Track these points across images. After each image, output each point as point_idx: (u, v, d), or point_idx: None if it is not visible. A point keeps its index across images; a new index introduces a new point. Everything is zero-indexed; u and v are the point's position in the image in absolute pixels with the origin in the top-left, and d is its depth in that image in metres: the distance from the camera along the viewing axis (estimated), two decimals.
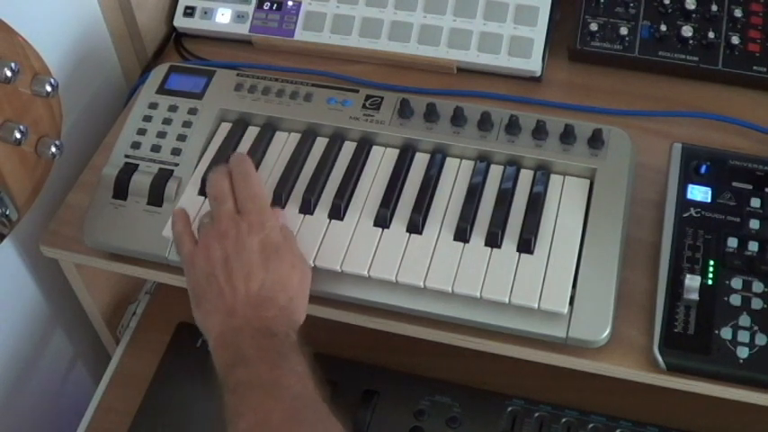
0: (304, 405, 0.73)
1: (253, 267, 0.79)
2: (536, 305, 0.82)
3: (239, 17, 1.13)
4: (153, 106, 0.99)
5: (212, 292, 0.79)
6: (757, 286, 0.83)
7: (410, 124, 0.95)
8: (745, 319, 0.81)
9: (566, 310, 0.81)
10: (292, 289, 0.81)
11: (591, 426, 0.95)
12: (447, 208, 0.89)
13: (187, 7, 1.15)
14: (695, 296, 0.82)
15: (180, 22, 1.15)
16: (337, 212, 0.89)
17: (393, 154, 0.94)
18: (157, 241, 0.89)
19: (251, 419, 0.71)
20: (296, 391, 0.73)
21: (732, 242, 0.85)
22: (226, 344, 0.77)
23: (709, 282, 0.83)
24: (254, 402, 0.72)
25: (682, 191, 0.89)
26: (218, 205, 0.84)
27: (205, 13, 1.14)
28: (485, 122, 0.93)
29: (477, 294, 0.83)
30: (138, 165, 0.95)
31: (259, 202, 0.84)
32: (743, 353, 0.80)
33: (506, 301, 0.82)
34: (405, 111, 0.95)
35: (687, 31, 1.04)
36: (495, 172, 0.92)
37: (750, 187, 0.89)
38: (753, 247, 0.85)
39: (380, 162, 0.94)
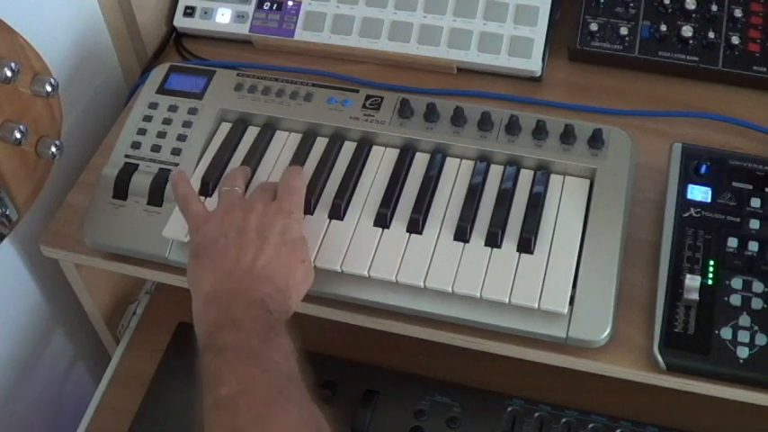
0: (292, 383, 0.71)
1: (266, 244, 0.80)
2: (536, 305, 0.82)
3: (239, 17, 1.13)
4: (153, 106, 0.99)
5: (217, 249, 0.79)
6: (757, 286, 0.83)
7: (410, 124, 0.95)
8: (745, 319, 0.81)
9: (566, 310, 0.81)
10: (294, 279, 0.81)
11: (591, 426, 0.95)
12: (447, 208, 0.89)
13: (187, 7, 1.15)
14: (695, 296, 0.82)
15: (180, 22, 1.15)
16: (337, 212, 0.89)
17: (393, 154, 0.94)
18: (157, 241, 0.89)
19: (235, 387, 0.68)
20: (284, 368, 0.72)
21: (732, 242, 0.85)
22: (217, 302, 0.76)
23: (709, 282, 0.83)
24: (240, 369, 0.70)
25: (682, 191, 0.89)
26: (259, 192, 0.85)
27: (205, 13, 1.14)
28: (485, 122, 0.93)
29: (477, 294, 0.83)
30: (138, 165, 0.95)
31: (296, 197, 0.85)
32: (743, 353, 0.80)
33: (506, 301, 0.82)
34: (405, 111, 0.95)
35: (687, 31, 1.04)
36: (495, 172, 0.92)
37: (750, 187, 0.89)
38: (753, 247, 0.85)
39: (380, 162, 0.94)
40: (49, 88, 0.87)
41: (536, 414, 0.96)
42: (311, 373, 0.75)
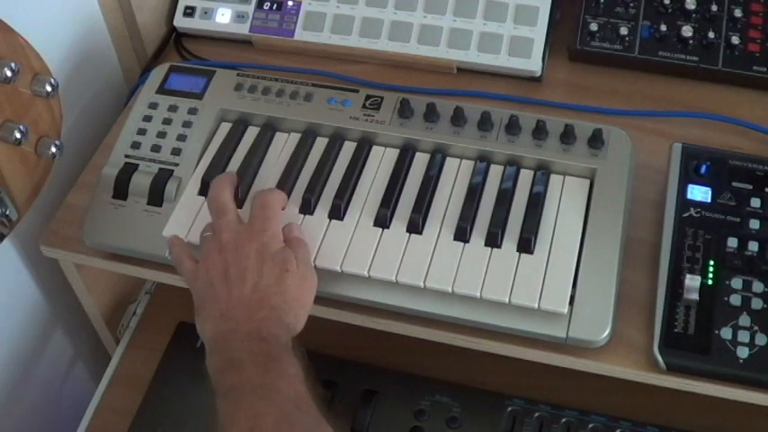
0: (296, 408, 0.72)
1: (246, 271, 0.80)
2: (536, 305, 0.82)
3: (239, 17, 1.13)
4: (153, 106, 0.99)
5: (210, 299, 0.80)
6: (757, 286, 0.83)
7: (410, 124, 0.95)
8: (745, 319, 0.81)
9: (566, 310, 0.81)
10: (287, 292, 0.80)
11: (591, 426, 0.95)
12: (447, 208, 0.89)
13: (187, 7, 1.15)
14: (695, 296, 0.82)
15: (180, 22, 1.15)
16: (337, 212, 0.89)
17: (393, 154, 0.94)
18: (157, 241, 0.89)
19: (243, 426, 0.71)
20: (288, 394, 0.73)
21: (732, 242, 0.85)
22: (218, 348, 0.77)
23: (710, 282, 0.83)
24: (245, 407, 0.72)
25: (682, 191, 0.89)
26: (219, 217, 0.84)
27: (205, 13, 1.14)
28: (485, 122, 0.93)
29: (477, 294, 0.83)
30: (138, 165, 0.95)
31: (268, 211, 0.84)
32: (743, 353, 0.80)
33: (506, 301, 0.82)
34: (405, 111, 0.95)
35: (687, 31, 1.04)
36: (495, 172, 0.92)
37: (750, 187, 0.89)
38: (753, 247, 0.85)
39: (380, 162, 0.94)
40: (48, 88, 0.87)
41: (536, 414, 0.96)
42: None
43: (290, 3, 1.13)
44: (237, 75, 1.01)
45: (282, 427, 0.70)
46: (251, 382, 0.73)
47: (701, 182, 0.89)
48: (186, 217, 0.90)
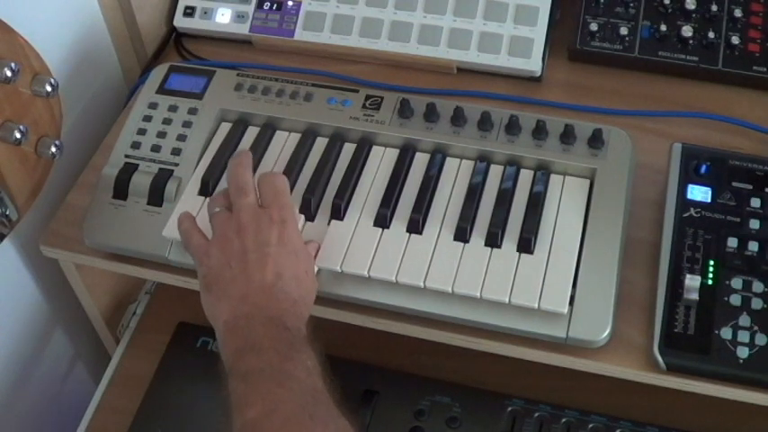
0: (315, 400, 0.72)
1: (270, 259, 0.79)
2: (536, 305, 0.82)
3: (239, 17, 1.13)
4: (153, 106, 0.99)
5: (225, 279, 0.79)
6: (757, 286, 0.83)
7: (410, 124, 0.95)
8: (745, 319, 0.81)
9: (566, 310, 0.81)
10: (304, 287, 0.81)
11: (591, 426, 0.95)
12: (447, 208, 0.89)
13: (187, 7, 1.15)
14: (695, 296, 0.82)
15: (180, 22, 1.15)
16: (337, 212, 0.89)
17: (393, 154, 0.94)
18: (157, 241, 0.89)
19: (260, 408, 0.70)
20: (307, 384, 0.72)
21: (732, 242, 0.85)
22: (237, 329, 0.76)
23: (710, 282, 0.83)
24: (264, 391, 0.71)
25: (682, 191, 0.89)
26: (240, 197, 0.83)
27: (205, 13, 1.14)
28: (485, 122, 0.93)
29: (477, 294, 0.83)
30: (138, 165, 0.95)
31: (283, 198, 0.84)
32: (743, 353, 0.80)
33: (506, 301, 0.82)
34: (405, 111, 0.95)
35: (687, 31, 1.04)
36: (495, 172, 0.92)
37: (750, 187, 0.89)
38: (753, 247, 0.85)
39: (380, 162, 0.94)
40: (49, 88, 0.87)
41: (536, 414, 0.96)
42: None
43: (290, 3, 1.13)
44: (237, 75, 1.01)
45: (302, 416, 0.70)
46: (271, 366, 0.72)
47: (700, 182, 0.89)
48: None
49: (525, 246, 0.85)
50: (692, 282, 0.82)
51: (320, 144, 0.96)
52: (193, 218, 0.87)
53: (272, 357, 0.73)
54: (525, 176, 0.91)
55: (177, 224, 0.86)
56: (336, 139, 0.95)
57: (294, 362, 0.73)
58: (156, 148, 0.96)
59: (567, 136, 0.92)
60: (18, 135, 0.83)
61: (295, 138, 0.96)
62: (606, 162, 0.90)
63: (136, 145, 0.96)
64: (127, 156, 0.96)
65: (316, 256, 0.85)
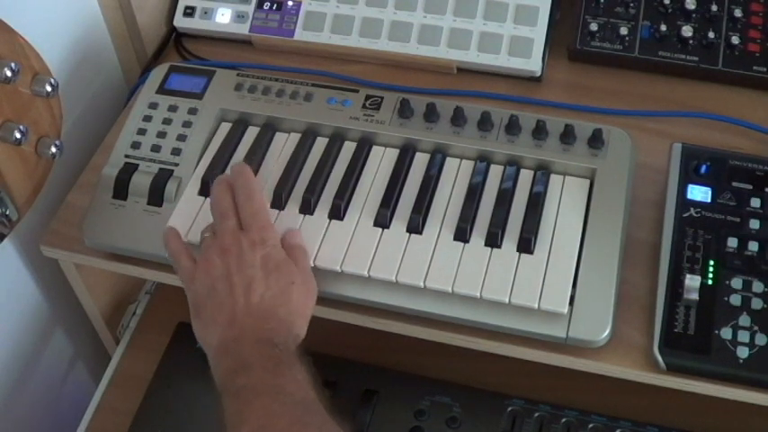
0: (308, 410, 0.73)
1: (253, 281, 0.80)
2: (536, 305, 0.82)
3: (239, 17, 1.13)
4: (153, 106, 0.99)
5: (212, 304, 0.80)
6: (757, 286, 0.83)
7: (410, 124, 0.95)
8: (745, 319, 0.81)
9: (566, 310, 0.81)
10: (292, 304, 0.81)
11: (591, 426, 0.95)
12: (447, 208, 0.89)
13: (187, 7, 1.15)
14: (695, 296, 0.82)
15: (180, 22, 1.15)
16: (337, 212, 0.89)
17: (393, 154, 0.94)
18: (157, 241, 0.89)
19: (255, 424, 0.71)
20: (299, 397, 0.74)
21: (732, 242, 0.85)
22: (227, 351, 0.77)
23: (710, 282, 0.83)
24: (257, 407, 0.72)
25: (682, 191, 0.89)
26: (221, 222, 0.84)
27: (205, 13, 1.14)
28: (485, 122, 0.93)
29: (477, 294, 0.83)
30: (138, 165, 0.95)
31: (261, 219, 0.84)
32: (743, 353, 0.80)
33: (506, 301, 0.82)
34: (405, 111, 0.95)
35: (687, 31, 1.04)
36: (495, 172, 0.92)
37: (750, 187, 0.89)
38: (753, 247, 0.85)
39: (380, 162, 0.94)
40: (48, 88, 0.87)
41: (536, 414, 0.96)
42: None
43: (290, 3, 1.13)
44: (237, 75, 1.01)
45: (295, 428, 0.71)
46: (263, 383, 0.74)
47: (700, 182, 0.89)
48: (186, 217, 0.90)
49: (525, 246, 0.85)
50: (692, 282, 0.82)
51: (320, 144, 0.96)
52: (179, 236, 0.87)
53: (262, 375, 0.74)
54: (525, 176, 0.91)
55: (164, 242, 0.87)
56: (336, 139, 0.95)
57: (285, 377, 0.74)
58: (156, 148, 0.96)
59: (567, 136, 0.92)
60: (18, 135, 0.83)
61: (295, 138, 0.96)
62: (606, 162, 0.90)
63: (136, 145, 0.96)
64: (127, 156, 0.96)
65: (308, 258, 0.85)
